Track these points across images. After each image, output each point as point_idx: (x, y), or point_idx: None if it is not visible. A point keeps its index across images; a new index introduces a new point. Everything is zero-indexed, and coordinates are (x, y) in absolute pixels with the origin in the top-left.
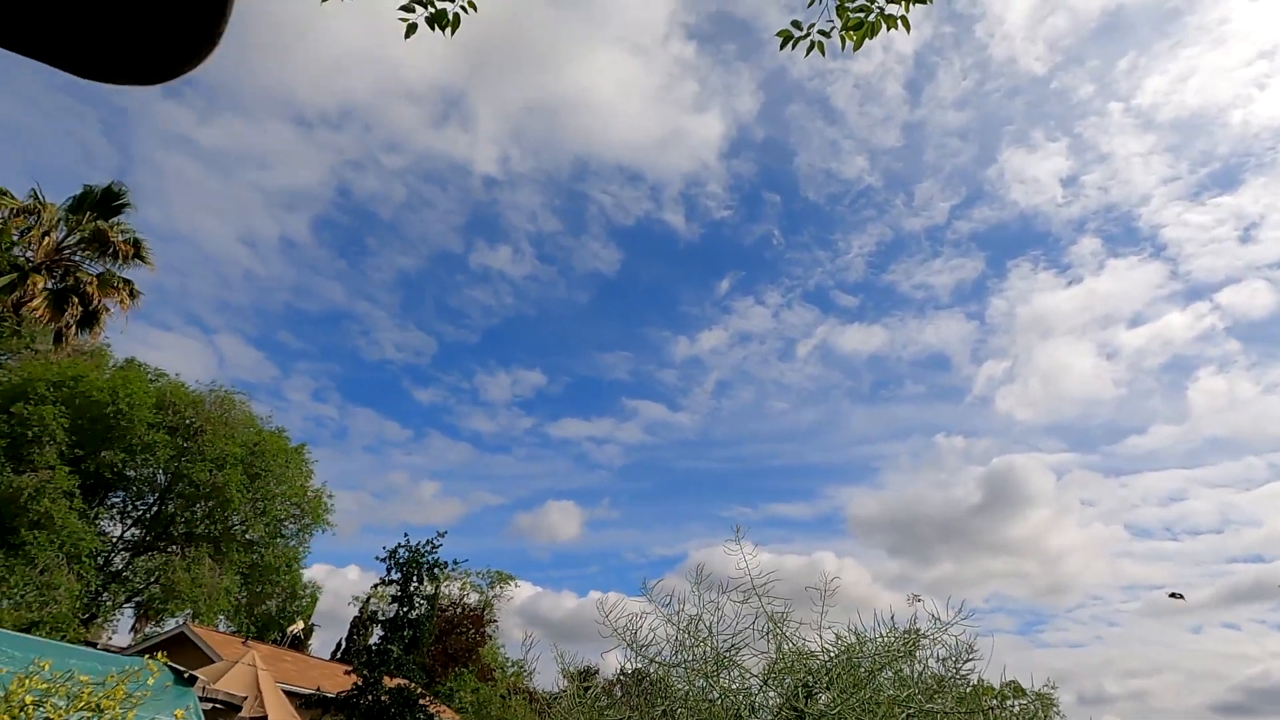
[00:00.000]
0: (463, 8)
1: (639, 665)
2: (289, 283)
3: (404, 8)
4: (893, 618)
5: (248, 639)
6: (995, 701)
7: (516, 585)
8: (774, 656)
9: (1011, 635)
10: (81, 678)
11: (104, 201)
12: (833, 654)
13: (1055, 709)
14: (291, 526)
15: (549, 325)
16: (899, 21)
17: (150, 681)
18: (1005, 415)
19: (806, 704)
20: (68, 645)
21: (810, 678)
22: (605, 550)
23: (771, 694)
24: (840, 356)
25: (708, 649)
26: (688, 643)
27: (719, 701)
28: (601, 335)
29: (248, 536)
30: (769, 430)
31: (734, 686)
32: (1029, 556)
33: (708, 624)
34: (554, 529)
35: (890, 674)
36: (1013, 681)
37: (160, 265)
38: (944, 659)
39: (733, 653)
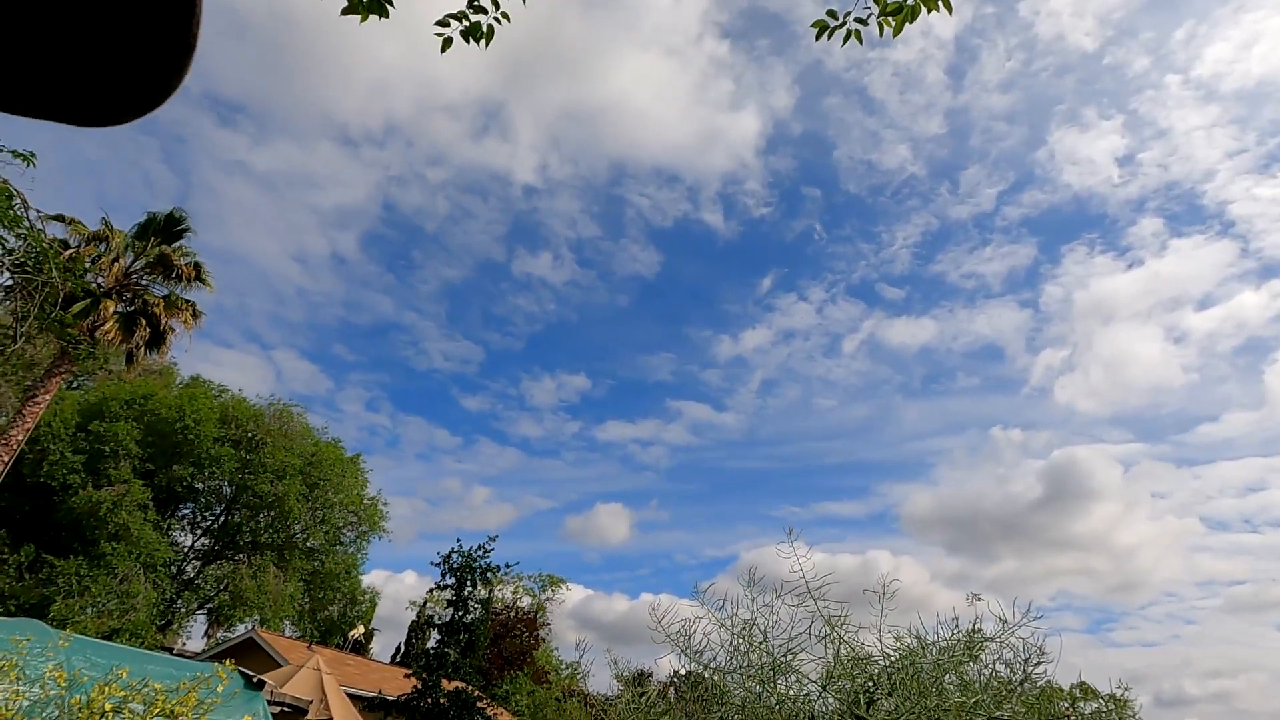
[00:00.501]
0: (496, 20)
1: (693, 669)
2: (340, 297)
3: (439, 23)
4: (955, 619)
5: (312, 643)
6: (1066, 704)
7: (568, 588)
8: (831, 661)
9: (1080, 634)
10: (155, 685)
11: (166, 227)
12: (893, 658)
13: (1131, 712)
14: (349, 534)
15: (591, 329)
16: (940, 3)
17: (220, 688)
18: (1066, 406)
19: (869, 711)
20: (145, 652)
21: (871, 683)
22: (656, 552)
23: (830, 700)
24: (888, 350)
25: (763, 654)
26: (743, 648)
27: (776, 708)
28: (643, 337)
29: (309, 544)
30: (817, 428)
31: (791, 693)
32: (1097, 552)
33: (762, 628)
34: (604, 531)
35: (954, 678)
36: (1083, 683)
37: (219, 285)
38: (1010, 662)
39: (789, 658)
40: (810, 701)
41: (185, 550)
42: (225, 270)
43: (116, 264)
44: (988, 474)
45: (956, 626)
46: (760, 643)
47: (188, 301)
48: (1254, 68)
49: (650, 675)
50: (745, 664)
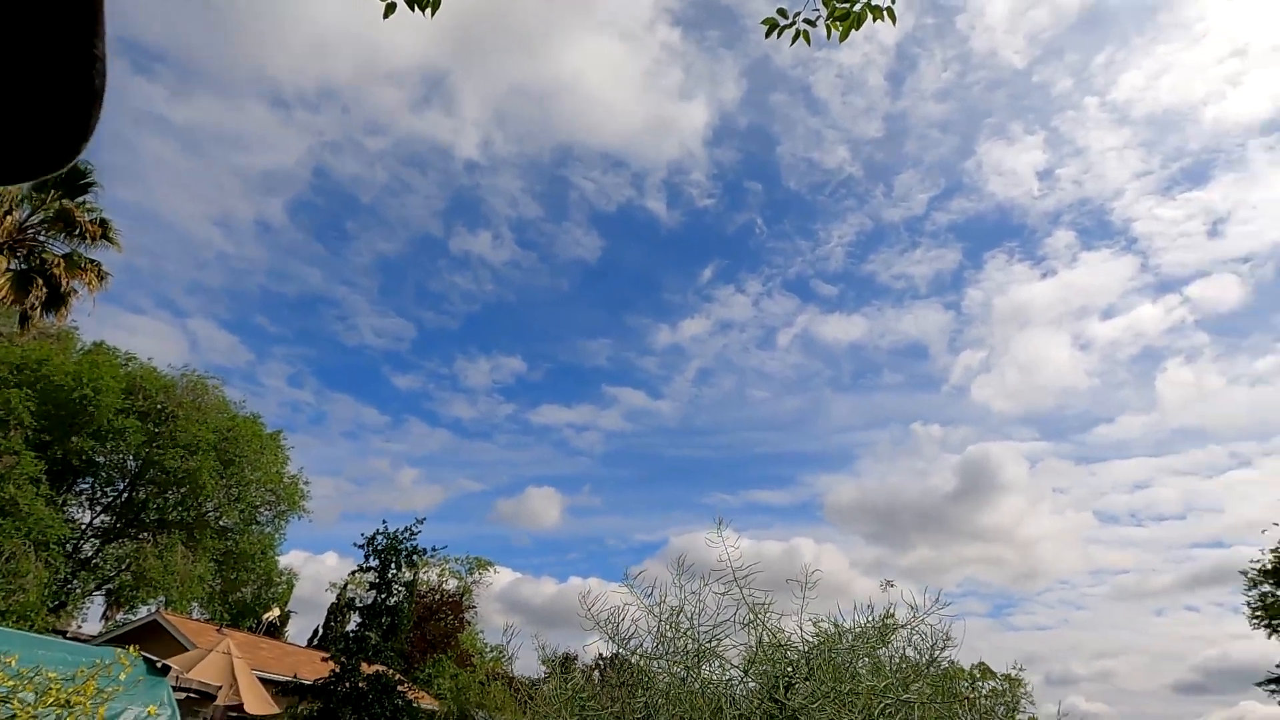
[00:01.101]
0: None
1: (620, 654)
2: (265, 266)
3: None
4: (870, 606)
5: (222, 626)
6: (967, 684)
7: (496, 571)
8: (754, 647)
9: (983, 619)
10: (50, 673)
11: (69, 180)
12: (812, 644)
13: (1024, 690)
14: (266, 513)
15: (530, 311)
16: (885, 13)
17: (122, 676)
18: (982, 404)
19: (786, 695)
20: (35, 635)
21: (790, 668)
22: (586, 536)
23: (751, 684)
24: (820, 345)
25: (689, 640)
26: (669, 634)
27: (700, 693)
28: (582, 322)
29: (221, 523)
30: (750, 418)
31: (715, 678)
32: (1003, 543)
33: (689, 615)
34: (535, 515)
35: (867, 663)
36: (982, 664)
37: (131, 246)
38: (919, 646)
39: (713, 644)
40: (732, 686)
41: (83, 528)
42: (138, 230)
43: (9, 217)
44: (907, 467)
45: (871, 613)
46: (686, 629)
47: (92, 261)
48: (1163, 96)
49: (576, 659)
50: (671, 650)
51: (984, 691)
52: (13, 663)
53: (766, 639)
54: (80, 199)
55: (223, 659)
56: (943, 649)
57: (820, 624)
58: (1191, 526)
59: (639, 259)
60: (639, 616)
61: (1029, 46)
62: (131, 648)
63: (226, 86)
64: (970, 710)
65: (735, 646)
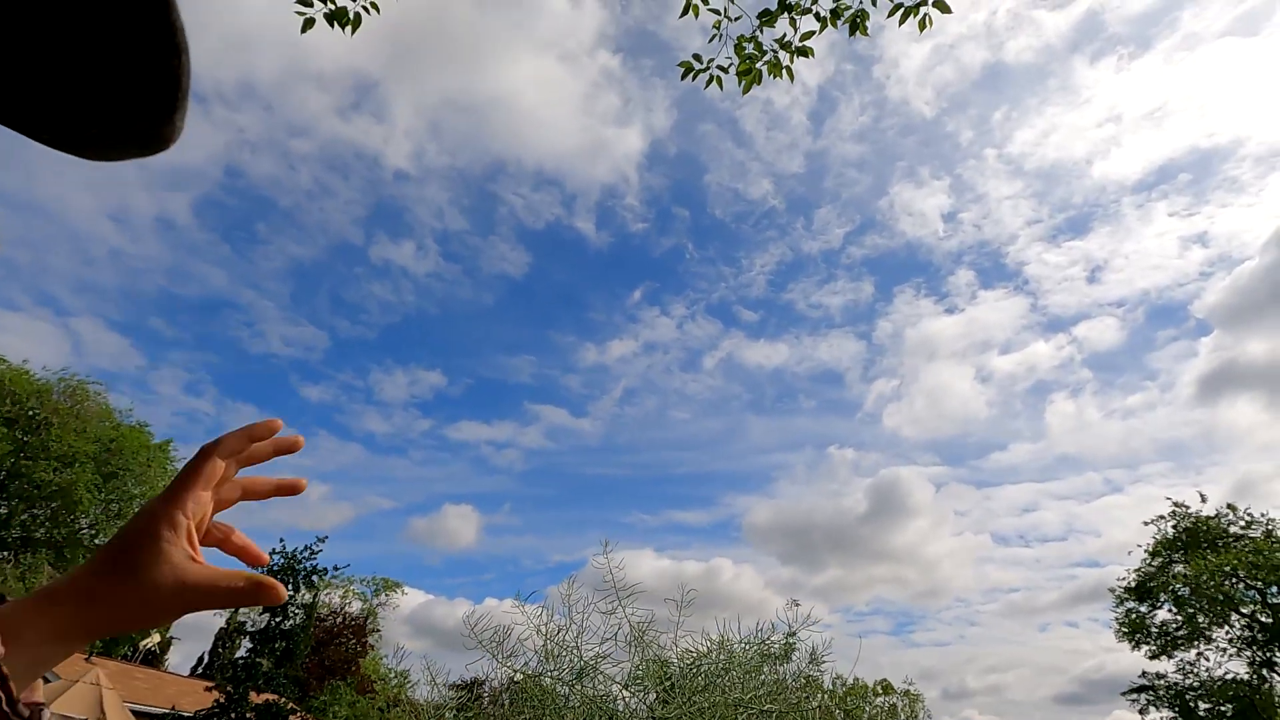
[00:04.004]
0: (365, 8)
1: (508, 674)
2: (164, 265)
3: (301, 1)
4: (759, 625)
5: (91, 655)
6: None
7: (404, 593)
8: (637, 664)
9: (887, 636)
10: None
11: None
12: (687, 662)
13: (922, 704)
14: None
15: (451, 325)
16: (784, 71)
17: None
18: (892, 431)
19: (663, 709)
20: None
21: (668, 684)
22: (502, 556)
23: (632, 701)
24: (742, 369)
25: (574, 658)
26: (555, 652)
27: (579, 709)
28: (506, 338)
29: (97, 542)
30: (671, 438)
31: (595, 694)
32: (908, 563)
33: (574, 633)
34: (452, 534)
35: (738, 677)
36: (884, 680)
37: (9, 238)
38: (798, 661)
39: (596, 660)
40: (613, 702)
41: None
42: (19, 220)
43: None
44: (822, 489)
45: (759, 631)
46: (571, 647)
47: None
48: (1050, 153)
49: (484, 682)
50: (554, 667)
51: (884, 706)
52: None
53: (648, 656)
54: None
55: (91, 690)
56: (820, 663)
57: (695, 642)
58: (1072, 547)
59: (565, 278)
60: (527, 635)
61: (937, 98)
62: None
63: None
64: None
65: (620, 664)
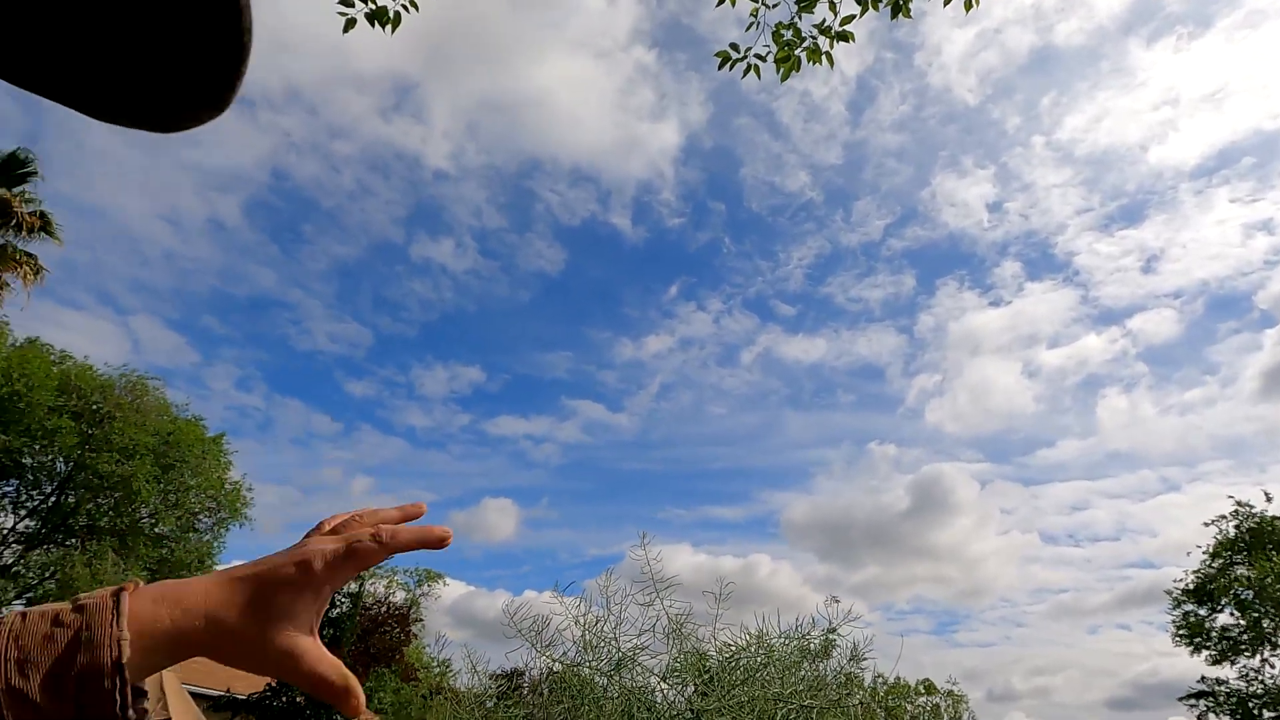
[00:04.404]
0: (404, 7)
1: (546, 664)
2: (216, 266)
3: (343, 1)
4: (799, 620)
5: None
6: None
7: (446, 584)
8: (674, 656)
9: (929, 635)
10: None
11: (6, 168)
12: (726, 655)
13: (965, 705)
14: (206, 520)
15: (489, 321)
16: (823, 57)
17: None
18: (935, 427)
19: (702, 701)
20: None
21: (707, 676)
22: (540, 550)
23: (670, 693)
24: (779, 363)
25: (612, 649)
26: (593, 643)
27: (617, 699)
28: (543, 334)
29: (157, 530)
30: (706, 433)
31: (634, 685)
32: (951, 561)
33: (612, 625)
34: (491, 527)
35: (776, 672)
36: (926, 680)
37: (72, 240)
38: (839, 658)
39: (634, 651)
40: (651, 693)
41: (4, 532)
42: (80, 224)
43: None
44: (861, 485)
45: (798, 626)
46: (609, 638)
47: (28, 255)
48: (1102, 139)
49: (524, 672)
50: (593, 658)
51: (926, 706)
52: None
53: (686, 648)
54: (19, 189)
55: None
56: (861, 660)
57: (734, 636)
58: (1125, 547)
59: (601, 273)
60: (565, 626)
61: (981, 85)
62: None
63: None
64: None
65: (658, 656)
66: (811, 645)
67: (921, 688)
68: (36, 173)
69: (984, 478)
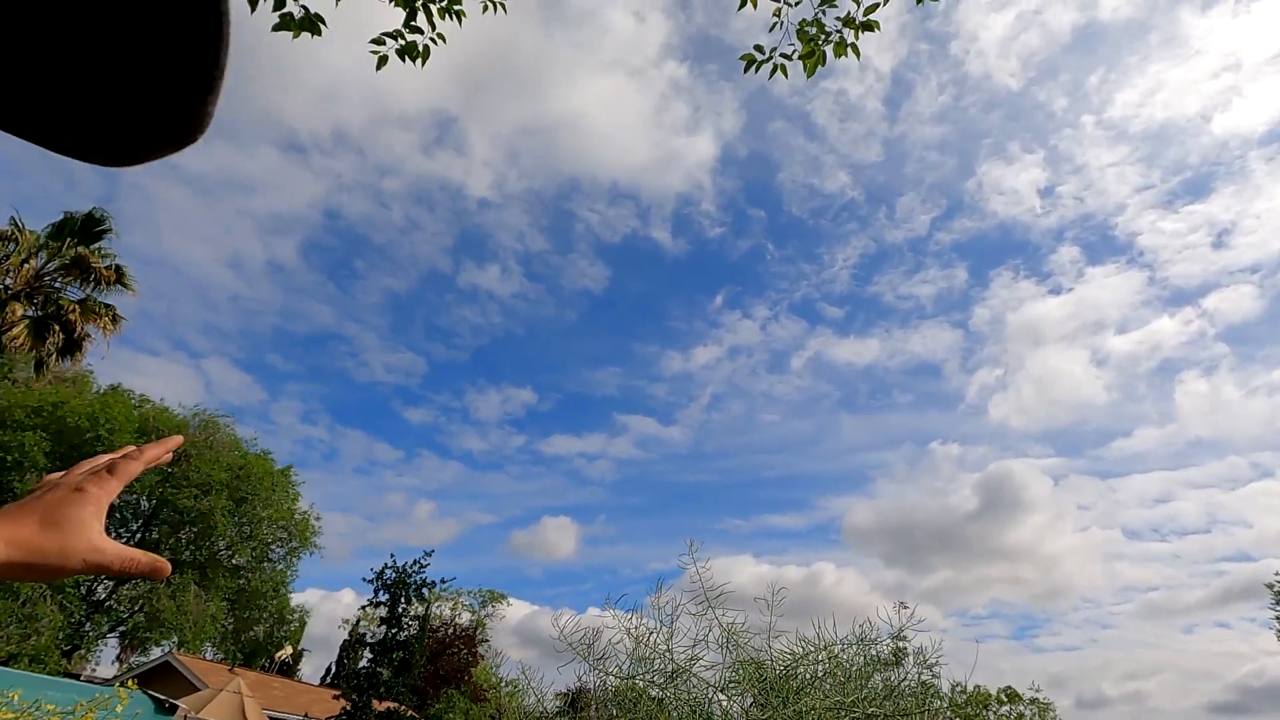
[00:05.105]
0: (432, 40)
1: (607, 680)
2: (277, 306)
3: (375, 40)
4: (861, 626)
5: (234, 666)
6: (999, 706)
7: (509, 604)
8: (730, 666)
9: (1007, 640)
10: (48, 707)
11: (85, 228)
12: (783, 664)
13: (1053, 714)
14: (279, 550)
15: (538, 343)
16: (848, 49)
17: (119, 709)
18: (999, 423)
19: (759, 713)
20: (45, 677)
21: (764, 686)
22: (599, 566)
23: (727, 703)
24: (830, 367)
25: (666, 661)
26: (647, 655)
27: (674, 712)
28: (590, 351)
29: (234, 561)
30: (760, 442)
31: (689, 697)
32: (1026, 562)
33: (665, 636)
34: (550, 546)
35: (841, 680)
36: (1008, 687)
37: (145, 291)
38: (907, 666)
39: (689, 662)
40: (709, 705)
41: None
42: (152, 275)
43: (27, 265)
44: (925, 487)
45: (862, 633)
46: (664, 650)
47: (107, 306)
48: (1157, 112)
49: (588, 690)
50: (646, 670)
51: (1009, 715)
52: (15, 698)
53: (742, 658)
54: (95, 245)
55: (233, 699)
56: (931, 665)
57: (790, 644)
58: (1218, 540)
59: (645, 288)
60: (618, 640)
61: (1023, 69)
62: (130, 682)
63: (239, 134)
64: None
65: (713, 667)
66: (879, 653)
67: (1003, 696)
68: (111, 230)
69: (1057, 473)
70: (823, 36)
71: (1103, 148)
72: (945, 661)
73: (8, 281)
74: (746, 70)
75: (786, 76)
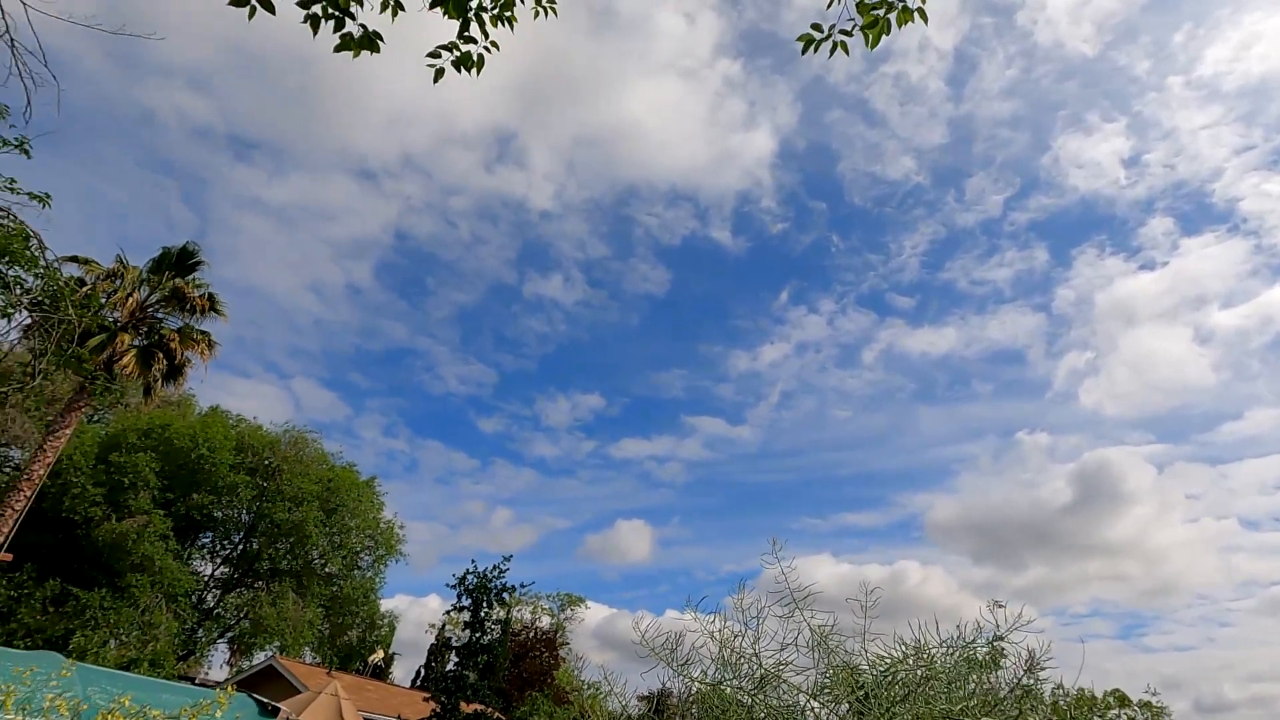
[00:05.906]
0: (486, 48)
1: (692, 686)
2: (355, 326)
3: (430, 54)
4: (960, 626)
5: (331, 669)
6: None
7: (587, 607)
8: (822, 671)
9: (1112, 640)
10: (154, 713)
11: (180, 261)
12: (881, 669)
13: (1167, 718)
14: (367, 558)
15: (603, 348)
16: (915, 15)
17: (219, 714)
18: (1092, 409)
19: (856, 718)
20: (161, 681)
21: (863, 693)
22: (674, 569)
23: (822, 711)
24: (904, 359)
25: (752, 665)
26: (732, 660)
27: (764, 718)
28: (655, 354)
29: (327, 570)
30: (832, 438)
31: (782, 703)
32: (1129, 556)
33: (751, 640)
34: (625, 549)
35: (941, 686)
36: (1116, 690)
37: (236, 318)
38: (1011, 669)
39: (777, 667)
40: (801, 712)
41: (205, 579)
42: (242, 302)
43: (131, 298)
44: (1013, 479)
45: (960, 634)
46: (750, 654)
47: (203, 333)
48: (1254, 67)
49: (670, 694)
50: (732, 676)
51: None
52: (126, 702)
53: (834, 663)
54: (190, 276)
55: (332, 701)
56: (1040, 668)
57: (887, 647)
58: None
59: (708, 288)
60: (701, 643)
61: (1098, 33)
62: (230, 687)
63: (314, 164)
64: None
65: (803, 672)
66: (978, 655)
67: (1112, 699)
68: (203, 261)
69: (1160, 460)
70: (885, 5)
71: (1193, 109)
72: (1051, 663)
73: (116, 314)
74: (805, 51)
75: (848, 53)
